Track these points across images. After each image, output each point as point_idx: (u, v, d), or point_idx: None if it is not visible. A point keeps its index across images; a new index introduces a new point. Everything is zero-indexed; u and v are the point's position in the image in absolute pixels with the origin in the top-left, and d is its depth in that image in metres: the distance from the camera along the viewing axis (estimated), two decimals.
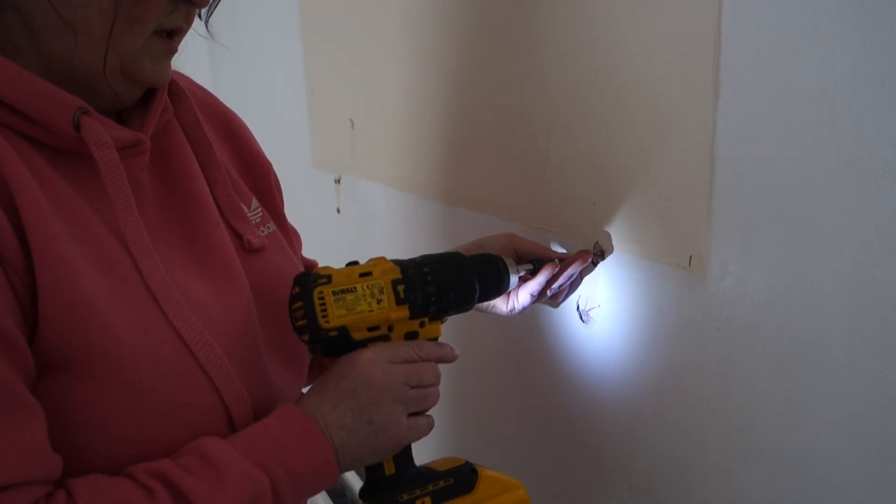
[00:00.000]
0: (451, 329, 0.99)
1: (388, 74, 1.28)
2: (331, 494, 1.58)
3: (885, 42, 0.62)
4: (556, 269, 0.88)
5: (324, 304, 0.71)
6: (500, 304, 0.91)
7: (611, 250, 0.90)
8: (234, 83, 1.94)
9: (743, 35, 0.72)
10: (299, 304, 0.71)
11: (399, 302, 0.74)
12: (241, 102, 1.93)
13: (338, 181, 1.53)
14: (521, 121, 1.00)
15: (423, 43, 1.17)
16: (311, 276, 0.71)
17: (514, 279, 0.84)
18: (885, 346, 0.65)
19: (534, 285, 0.88)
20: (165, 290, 0.66)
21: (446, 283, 0.77)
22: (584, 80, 0.89)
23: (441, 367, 0.77)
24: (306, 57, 1.57)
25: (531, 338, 1.04)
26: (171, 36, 0.69)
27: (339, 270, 0.73)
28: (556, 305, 0.95)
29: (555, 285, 0.89)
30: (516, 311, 0.90)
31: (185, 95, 0.77)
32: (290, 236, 0.89)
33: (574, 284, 0.93)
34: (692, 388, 0.83)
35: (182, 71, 0.81)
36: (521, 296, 0.89)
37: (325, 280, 0.71)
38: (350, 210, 1.51)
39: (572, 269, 0.89)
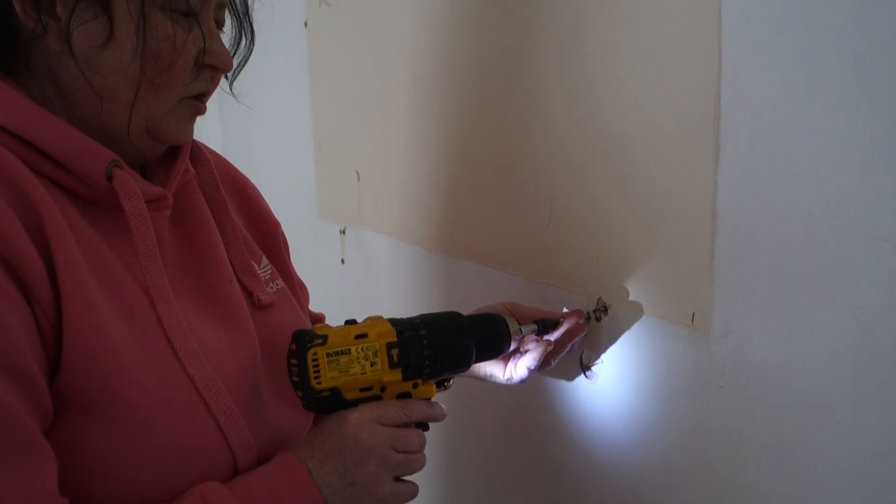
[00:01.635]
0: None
1: (395, 128, 1.30)
2: None
3: (884, 105, 0.63)
4: (560, 335, 0.89)
5: (317, 365, 0.72)
6: (498, 374, 0.92)
7: (616, 304, 0.91)
8: (244, 135, 1.97)
9: (742, 97, 0.74)
10: (294, 361, 0.73)
11: (392, 365, 0.75)
12: (249, 154, 1.95)
13: (343, 232, 1.54)
14: (525, 176, 1.01)
15: (429, 98, 1.20)
16: (307, 335, 0.73)
17: (515, 340, 0.85)
18: (890, 408, 0.65)
19: (531, 360, 0.89)
20: (182, 338, 0.68)
21: (442, 347, 0.78)
22: (588, 138, 0.91)
23: (441, 418, 0.77)
24: (314, 110, 1.59)
25: (534, 391, 1.03)
26: (199, 98, 0.73)
27: (335, 330, 0.74)
28: (550, 367, 0.94)
29: (556, 360, 0.90)
30: (513, 381, 0.91)
31: (205, 158, 0.81)
32: (297, 290, 0.91)
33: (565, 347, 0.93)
34: (695, 444, 0.83)
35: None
36: (520, 368, 0.90)
37: (320, 341, 0.73)
38: (354, 261, 1.52)
39: (575, 332, 0.90)
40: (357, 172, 1.45)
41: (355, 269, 1.52)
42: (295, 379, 0.73)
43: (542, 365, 0.90)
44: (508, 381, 0.92)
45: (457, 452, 1.25)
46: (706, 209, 0.78)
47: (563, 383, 0.99)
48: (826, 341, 0.69)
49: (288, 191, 1.74)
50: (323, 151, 1.58)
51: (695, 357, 0.81)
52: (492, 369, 0.92)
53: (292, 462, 0.70)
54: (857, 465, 0.68)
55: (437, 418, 0.78)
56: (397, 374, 0.76)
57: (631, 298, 0.88)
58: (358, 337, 0.74)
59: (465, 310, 0.88)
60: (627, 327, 0.89)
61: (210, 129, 2.09)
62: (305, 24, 1.55)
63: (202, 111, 0.74)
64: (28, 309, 0.61)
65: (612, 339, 0.91)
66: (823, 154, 0.67)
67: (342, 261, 1.56)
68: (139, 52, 0.66)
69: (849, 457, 0.69)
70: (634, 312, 0.88)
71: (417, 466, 0.75)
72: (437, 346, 0.78)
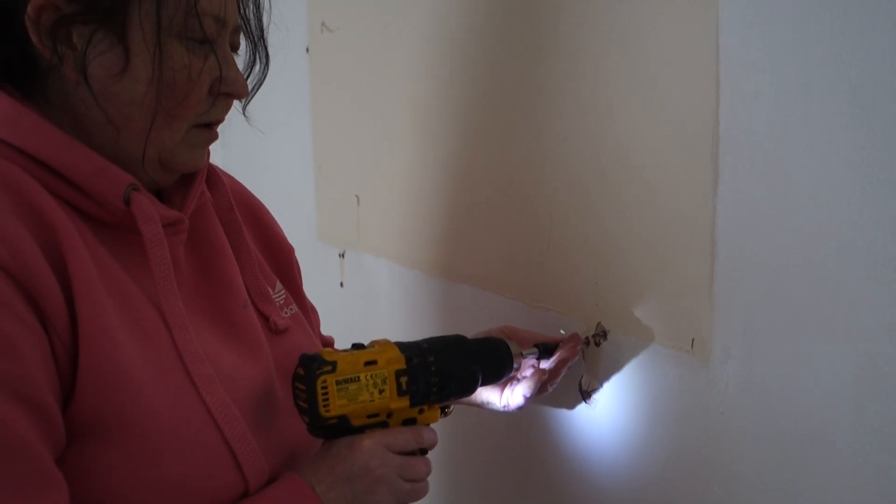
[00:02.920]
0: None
1: (395, 153, 1.31)
2: None
3: (882, 132, 0.64)
4: (557, 360, 0.89)
5: (326, 393, 0.72)
6: (494, 401, 0.92)
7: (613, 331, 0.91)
8: (245, 158, 1.98)
9: (741, 124, 0.74)
10: (302, 387, 0.73)
11: (401, 393, 0.75)
12: (250, 177, 1.95)
13: (342, 255, 1.54)
14: (525, 201, 1.02)
15: (429, 122, 1.20)
16: (316, 361, 0.72)
17: (516, 364, 0.85)
18: (891, 436, 0.65)
19: (527, 389, 0.89)
20: (198, 363, 0.68)
21: (449, 373, 0.78)
22: (587, 163, 0.91)
23: (442, 443, 0.77)
24: (315, 134, 1.60)
25: (533, 416, 1.03)
26: (210, 126, 0.73)
27: (344, 357, 0.74)
28: (547, 392, 0.94)
29: (552, 385, 0.90)
30: (510, 408, 0.91)
31: (221, 182, 0.80)
32: (309, 314, 0.91)
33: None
34: (695, 471, 0.82)
35: None
36: (516, 395, 0.90)
37: (329, 368, 0.72)
38: (353, 284, 1.52)
39: (568, 359, 0.89)
40: (357, 196, 1.45)
41: (354, 292, 1.52)
42: (302, 404, 0.73)
43: (540, 391, 0.90)
44: (505, 408, 0.91)
45: (456, 477, 1.24)
46: (706, 234, 0.78)
47: (563, 409, 0.99)
48: (827, 367, 0.69)
49: (288, 214, 1.74)
50: (323, 175, 1.59)
51: (694, 383, 0.81)
52: (488, 396, 0.92)
53: (301, 486, 0.70)
54: (858, 491, 0.68)
55: (434, 444, 0.78)
56: (405, 402, 0.76)
57: (630, 323, 0.88)
58: (367, 364, 0.74)
59: (464, 334, 0.88)
60: (627, 352, 0.89)
61: (212, 152, 2.09)
62: (307, 49, 1.56)
63: (215, 138, 0.74)
64: (43, 333, 0.60)
65: (611, 365, 0.91)
66: (822, 180, 0.68)
67: (341, 284, 1.56)
68: (155, 82, 0.66)
69: (849, 483, 0.68)
70: (634, 338, 0.88)
71: (422, 494, 0.76)
72: (445, 373, 0.78)
